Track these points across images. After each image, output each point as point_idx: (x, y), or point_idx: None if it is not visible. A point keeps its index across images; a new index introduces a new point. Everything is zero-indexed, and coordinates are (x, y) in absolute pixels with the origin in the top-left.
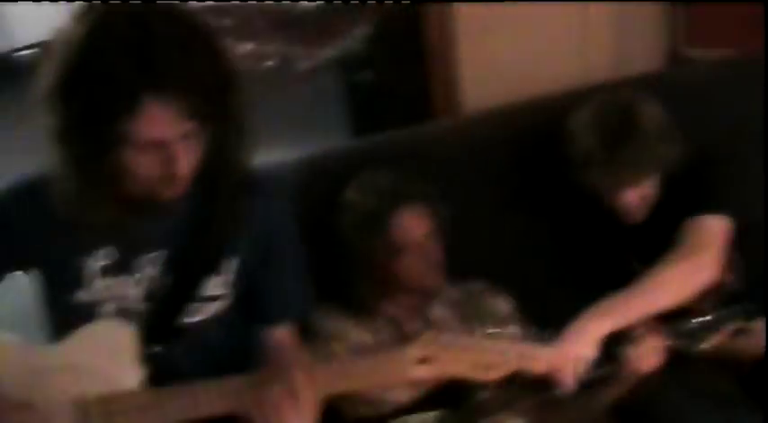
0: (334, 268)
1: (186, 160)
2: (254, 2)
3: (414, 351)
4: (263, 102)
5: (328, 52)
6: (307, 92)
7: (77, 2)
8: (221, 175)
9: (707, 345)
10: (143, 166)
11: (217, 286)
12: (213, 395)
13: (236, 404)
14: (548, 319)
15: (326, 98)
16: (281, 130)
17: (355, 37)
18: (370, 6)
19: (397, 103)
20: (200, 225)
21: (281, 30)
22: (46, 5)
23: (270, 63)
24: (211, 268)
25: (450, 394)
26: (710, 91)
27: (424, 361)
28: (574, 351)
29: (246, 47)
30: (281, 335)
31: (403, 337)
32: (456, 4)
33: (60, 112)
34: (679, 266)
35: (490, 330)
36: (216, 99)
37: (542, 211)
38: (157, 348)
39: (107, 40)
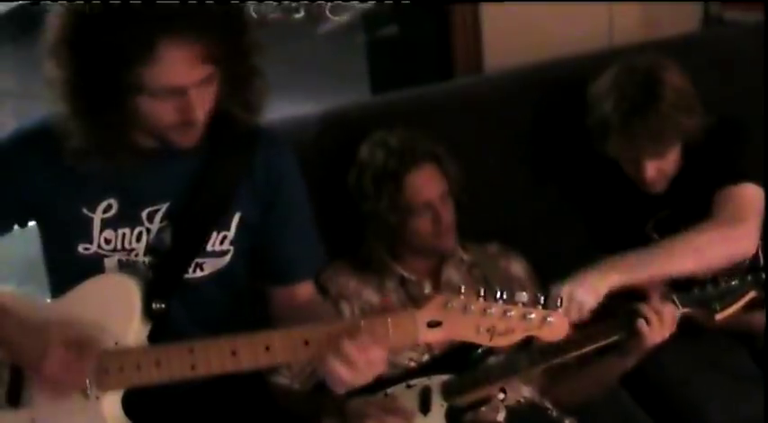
0: (348, 225)
1: (203, 107)
2: None
3: (424, 314)
4: (290, 53)
5: (355, 6)
6: (332, 45)
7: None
8: (231, 125)
9: (723, 313)
10: (159, 113)
11: (220, 242)
12: (212, 353)
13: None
14: (562, 282)
15: (350, 52)
16: (306, 81)
17: None
18: None
19: (420, 59)
20: (205, 178)
21: None
22: None
23: (298, 15)
24: (215, 223)
25: (457, 358)
26: (744, 55)
27: (433, 324)
28: (575, 295)
29: None
30: (305, 290)
31: (412, 300)
32: None
33: (73, 62)
34: (711, 233)
35: (501, 294)
36: (230, 41)
37: (562, 175)
38: (159, 304)
39: None
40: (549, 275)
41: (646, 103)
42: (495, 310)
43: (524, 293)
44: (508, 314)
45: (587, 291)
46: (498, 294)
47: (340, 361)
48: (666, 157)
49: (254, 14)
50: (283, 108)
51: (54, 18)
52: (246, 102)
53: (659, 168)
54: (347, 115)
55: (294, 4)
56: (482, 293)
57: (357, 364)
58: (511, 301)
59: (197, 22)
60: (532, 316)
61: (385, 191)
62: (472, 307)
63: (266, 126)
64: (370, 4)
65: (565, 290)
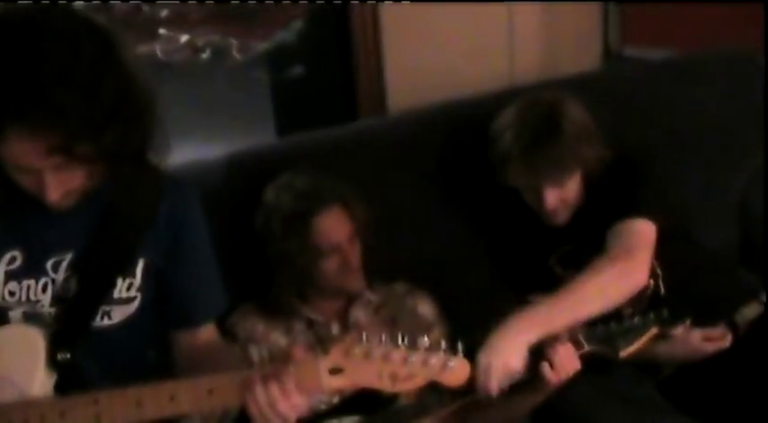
0: (255, 269)
1: (60, 187)
2: None
3: (326, 361)
4: (196, 95)
5: (262, 46)
6: (238, 86)
7: None
8: (122, 185)
9: (626, 351)
10: (22, 182)
11: (126, 289)
12: (117, 404)
13: (151, 411)
14: (470, 320)
15: (256, 92)
16: (212, 122)
17: (289, 31)
18: (303, 3)
19: (325, 100)
20: (107, 226)
21: (217, 22)
22: None
23: (205, 55)
24: (120, 270)
25: (368, 400)
26: (644, 91)
27: (335, 371)
28: (499, 362)
29: (182, 38)
30: (206, 334)
31: (320, 342)
32: (382, 4)
33: None
34: (608, 271)
35: (405, 340)
36: (90, 137)
37: (466, 213)
38: (66, 354)
39: None
40: (457, 313)
41: (546, 133)
42: (396, 355)
43: (426, 339)
44: (409, 360)
45: (513, 357)
46: (400, 340)
47: (265, 404)
48: (566, 186)
49: (159, 54)
50: (189, 150)
51: None
52: (134, 173)
53: (560, 197)
54: (253, 158)
55: (200, 44)
56: (384, 339)
57: (279, 409)
58: (413, 346)
59: (50, 116)
60: (433, 361)
61: (293, 234)
62: (374, 353)
63: (170, 171)
64: (274, 45)
65: (483, 360)
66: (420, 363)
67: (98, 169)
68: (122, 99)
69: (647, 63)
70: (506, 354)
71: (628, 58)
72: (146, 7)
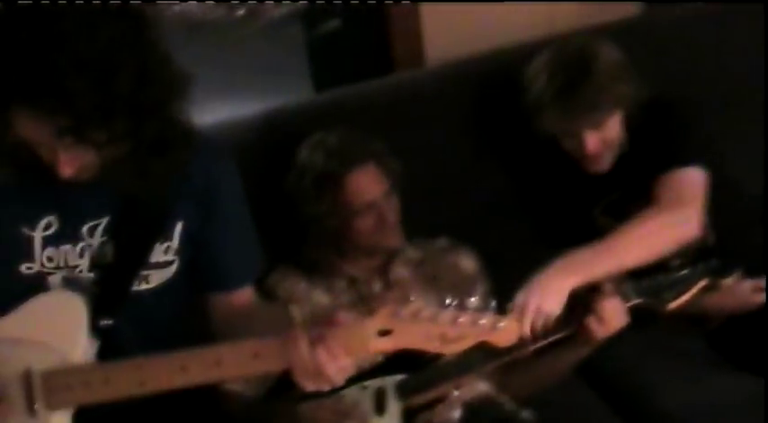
0: (291, 227)
1: (72, 165)
2: None
3: (374, 323)
4: (233, 51)
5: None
6: (274, 41)
7: None
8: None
9: (674, 303)
10: (41, 154)
11: (164, 252)
12: (161, 369)
13: (197, 377)
14: (513, 274)
15: (292, 48)
16: (249, 79)
17: None
18: None
19: (362, 54)
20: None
21: None
22: None
23: (240, 12)
24: (156, 234)
25: (411, 358)
26: (687, 39)
27: (383, 333)
28: (537, 305)
29: None
30: (243, 297)
31: (362, 299)
32: None
33: None
34: (656, 221)
35: (451, 301)
36: (101, 125)
37: (507, 164)
38: (107, 320)
39: (5, 41)
40: (500, 266)
41: (578, 74)
42: (445, 316)
43: (474, 299)
44: (458, 320)
45: (549, 299)
46: (448, 300)
47: (313, 368)
48: (606, 127)
49: (195, 13)
50: (229, 109)
51: None
52: (151, 160)
53: (601, 139)
54: (288, 115)
55: (236, 2)
56: (434, 289)
57: (327, 373)
58: (461, 306)
59: (59, 101)
60: (483, 322)
61: (326, 193)
62: (422, 314)
63: (202, 131)
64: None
65: (520, 299)
66: (469, 323)
67: (113, 151)
68: (141, 87)
69: (687, 8)
70: (543, 295)
71: (668, 2)
72: None
